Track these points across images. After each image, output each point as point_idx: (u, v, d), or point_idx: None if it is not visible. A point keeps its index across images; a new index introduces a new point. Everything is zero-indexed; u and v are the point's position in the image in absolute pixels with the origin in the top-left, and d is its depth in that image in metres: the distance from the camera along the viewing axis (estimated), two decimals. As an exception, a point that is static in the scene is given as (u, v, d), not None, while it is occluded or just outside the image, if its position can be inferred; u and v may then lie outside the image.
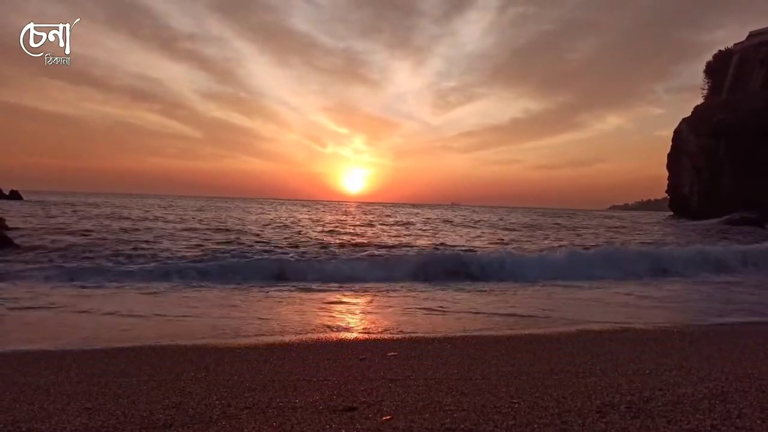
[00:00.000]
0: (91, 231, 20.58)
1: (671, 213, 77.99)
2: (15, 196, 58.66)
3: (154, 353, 5.16)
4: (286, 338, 6.09)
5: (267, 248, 16.20)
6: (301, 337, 6.21)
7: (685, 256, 14.54)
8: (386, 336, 6.31)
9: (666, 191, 79.79)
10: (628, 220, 61.46)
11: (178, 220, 31.82)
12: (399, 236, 25.52)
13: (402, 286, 10.72)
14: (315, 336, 6.30)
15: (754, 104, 60.19)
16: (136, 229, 22.55)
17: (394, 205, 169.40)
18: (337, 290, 10.13)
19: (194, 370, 4.49)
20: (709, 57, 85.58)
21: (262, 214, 47.03)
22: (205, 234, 21.90)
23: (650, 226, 45.26)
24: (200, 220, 32.45)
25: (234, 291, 9.81)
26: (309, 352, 5.28)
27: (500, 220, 49.85)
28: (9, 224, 17.54)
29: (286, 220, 36.75)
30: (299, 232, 24.99)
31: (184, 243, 17.49)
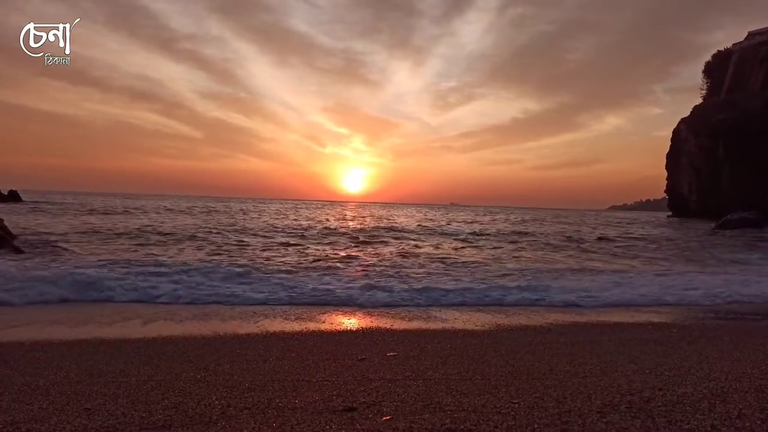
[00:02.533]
0: None
1: (670, 213, 78.13)
2: (14, 196, 58.56)
3: (153, 353, 5.15)
4: (286, 337, 6.09)
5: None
6: (301, 336, 6.20)
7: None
8: (386, 336, 6.30)
9: (665, 191, 79.87)
10: (612, 223, 61.43)
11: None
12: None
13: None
14: (315, 336, 6.30)
15: (754, 104, 60.23)
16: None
17: (391, 205, 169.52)
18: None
19: (194, 370, 4.49)
20: (707, 57, 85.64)
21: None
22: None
23: (639, 228, 45.27)
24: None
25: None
26: (309, 353, 5.27)
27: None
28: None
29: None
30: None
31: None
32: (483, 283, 10.81)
